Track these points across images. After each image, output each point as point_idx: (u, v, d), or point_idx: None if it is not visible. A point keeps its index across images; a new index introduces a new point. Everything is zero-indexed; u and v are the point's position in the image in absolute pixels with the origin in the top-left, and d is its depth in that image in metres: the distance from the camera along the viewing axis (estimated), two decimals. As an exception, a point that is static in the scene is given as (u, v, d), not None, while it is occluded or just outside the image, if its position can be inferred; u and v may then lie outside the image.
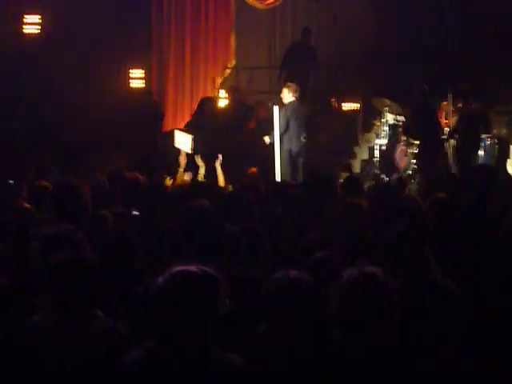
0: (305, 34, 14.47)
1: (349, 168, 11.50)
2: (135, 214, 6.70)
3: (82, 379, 3.48)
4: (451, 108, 12.68)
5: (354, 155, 14.35)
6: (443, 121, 12.76)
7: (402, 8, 14.39)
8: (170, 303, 3.09)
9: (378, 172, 12.94)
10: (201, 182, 9.31)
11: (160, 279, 3.14)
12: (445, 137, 12.53)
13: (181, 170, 10.11)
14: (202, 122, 12.90)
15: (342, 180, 8.61)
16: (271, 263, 4.66)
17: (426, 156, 12.00)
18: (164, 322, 3.11)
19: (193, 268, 3.16)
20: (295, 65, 14.00)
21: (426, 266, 4.25)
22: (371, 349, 3.20)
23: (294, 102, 12.17)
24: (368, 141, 14.31)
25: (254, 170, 11.19)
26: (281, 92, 12.42)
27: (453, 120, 12.56)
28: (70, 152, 12.67)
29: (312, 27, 15.15)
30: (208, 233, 4.93)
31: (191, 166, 10.61)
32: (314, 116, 13.30)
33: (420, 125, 12.23)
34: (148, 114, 13.70)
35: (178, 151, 10.77)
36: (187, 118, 14.92)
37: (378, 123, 13.68)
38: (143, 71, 14.81)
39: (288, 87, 12.28)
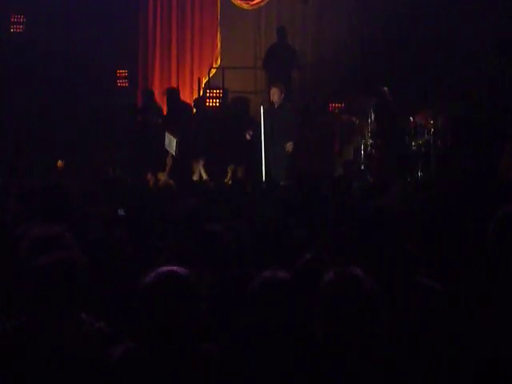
0: (281, 34, 14.39)
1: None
2: (122, 214, 6.71)
3: (68, 381, 3.47)
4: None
5: (338, 155, 14.35)
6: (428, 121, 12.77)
7: (389, 7, 14.38)
8: (155, 302, 3.22)
9: (363, 172, 12.94)
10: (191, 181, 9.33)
11: (146, 279, 3.28)
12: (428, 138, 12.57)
13: (166, 170, 10.15)
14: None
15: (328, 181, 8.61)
16: (257, 262, 4.66)
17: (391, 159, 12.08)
18: (148, 319, 3.23)
19: (177, 269, 3.31)
20: (277, 66, 13.96)
21: (411, 266, 4.25)
22: (355, 349, 3.21)
23: (281, 104, 12.24)
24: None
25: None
26: (270, 92, 12.44)
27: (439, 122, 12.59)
28: (55, 150, 12.67)
29: (298, 27, 15.17)
30: (194, 233, 4.94)
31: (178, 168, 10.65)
32: (299, 116, 13.27)
33: (382, 128, 12.35)
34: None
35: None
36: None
37: (364, 123, 13.68)
38: (126, 71, 14.79)
39: (277, 87, 12.31)
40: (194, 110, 14.86)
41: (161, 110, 13.94)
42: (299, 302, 3.41)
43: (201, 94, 14.89)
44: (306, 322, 3.36)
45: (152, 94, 14.16)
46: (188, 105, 14.06)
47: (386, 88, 12.51)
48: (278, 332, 3.36)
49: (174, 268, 3.32)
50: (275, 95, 12.20)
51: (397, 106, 12.52)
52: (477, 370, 3.56)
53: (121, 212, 6.74)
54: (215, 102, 14.53)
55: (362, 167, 13.02)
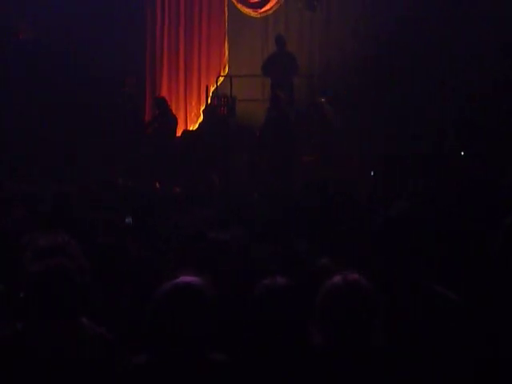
0: (280, 42, 14.41)
1: None
2: (129, 221, 6.73)
3: None
4: None
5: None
6: None
7: (396, 14, 14.38)
8: (169, 314, 3.30)
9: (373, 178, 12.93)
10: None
11: (161, 291, 3.37)
12: None
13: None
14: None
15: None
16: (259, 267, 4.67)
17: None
18: (162, 329, 3.30)
19: (193, 280, 3.39)
20: (278, 73, 13.99)
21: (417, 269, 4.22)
22: (353, 356, 3.22)
23: (287, 111, 12.35)
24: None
25: None
26: (276, 97, 12.52)
27: None
28: (58, 156, 12.74)
29: (305, 35, 15.21)
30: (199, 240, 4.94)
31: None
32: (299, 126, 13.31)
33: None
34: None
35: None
36: (181, 126, 15.00)
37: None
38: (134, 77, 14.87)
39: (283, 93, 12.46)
40: (202, 118, 14.90)
41: (175, 117, 14.05)
42: (300, 309, 3.41)
43: (209, 102, 14.90)
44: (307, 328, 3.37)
45: (166, 101, 14.21)
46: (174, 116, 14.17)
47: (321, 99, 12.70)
48: (278, 338, 3.36)
49: (190, 279, 3.39)
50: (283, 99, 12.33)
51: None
52: (477, 371, 3.55)
53: (128, 220, 6.76)
54: (224, 110, 14.56)
55: (372, 173, 12.98)
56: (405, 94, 13.33)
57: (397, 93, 13.46)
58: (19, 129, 13.19)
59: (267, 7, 15.48)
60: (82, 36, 14.00)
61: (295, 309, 3.40)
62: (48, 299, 3.55)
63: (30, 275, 3.65)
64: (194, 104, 15.38)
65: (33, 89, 13.56)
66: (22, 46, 13.87)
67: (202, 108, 15.18)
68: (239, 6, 15.45)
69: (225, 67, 15.49)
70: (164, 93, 15.22)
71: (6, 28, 13.90)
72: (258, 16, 15.56)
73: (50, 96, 13.58)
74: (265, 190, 9.59)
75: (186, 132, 14.70)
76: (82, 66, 13.87)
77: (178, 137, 14.23)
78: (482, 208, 6.03)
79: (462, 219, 5.76)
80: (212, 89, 15.16)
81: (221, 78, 15.29)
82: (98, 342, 3.57)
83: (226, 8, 15.51)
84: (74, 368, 3.48)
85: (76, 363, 3.49)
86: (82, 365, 3.49)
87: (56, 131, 13.30)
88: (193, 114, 15.34)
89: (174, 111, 15.14)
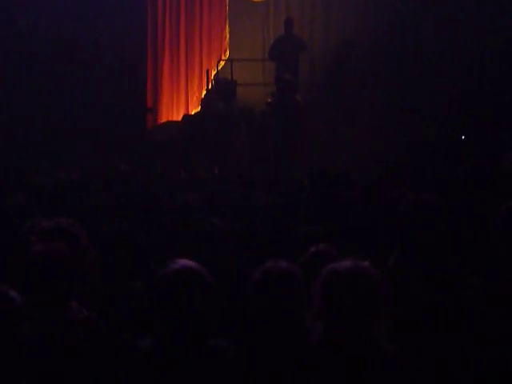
0: (289, 25, 14.38)
1: None
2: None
3: (53, 369, 3.51)
4: None
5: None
6: None
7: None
8: (171, 297, 3.31)
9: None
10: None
11: (162, 273, 3.38)
12: None
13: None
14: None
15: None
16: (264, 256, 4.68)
17: None
18: (164, 312, 3.32)
19: (193, 264, 3.40)
20: (284, 58, 13.97)
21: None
22: (357, 342, 3.24)
23: (291, 96, 12.34)
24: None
25: None
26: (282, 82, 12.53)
27: None
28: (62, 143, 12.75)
29: (306, 19, 15.17)
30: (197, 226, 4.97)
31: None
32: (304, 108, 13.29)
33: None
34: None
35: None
36: (182, 110, 14.98)
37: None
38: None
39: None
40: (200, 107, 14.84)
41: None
42: (302, 293, 3.41)
43: (209, 86, 14.85)
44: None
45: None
46: None
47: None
48: (278, 322, 3.37)
49: (190, 263, 3.40)
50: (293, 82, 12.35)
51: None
52: (479, 370, 3.58)
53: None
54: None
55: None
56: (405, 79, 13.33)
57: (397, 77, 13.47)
58: (21, 116, 13.17)
59: (268, -9, 15.45)
60: (82, 19, 13.96)
61: (296, 293, 3.40)
62: (37, 284, 3.59)
63: (23, 258, 3.68)
64: (195, 88, 15.35)
65: (37, 78, 13.55)
66: (21, 34, 13.85)
67: (204, 92, 15.16)
68: (240, -11, 15.43)
69: (226, 51, 15.47)
70: (165, 77, 15.20)
71: (5, 17, 13.88)
72: (259, 0, 15.52)
73: (50, 81, 13.57)
74: (266, 175, 9.60)
75: (186, 116, 14.68)
76: (81, 49, 13.86)
77: (179, 121, 14.28)
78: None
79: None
80: (213, 73, 15.13)
81: (221, 62, 15.28)
82: (86, 327, 3.60)
83: (227, -8, 15.50)
84: (62, 352, 3.51)
85: (64, 347, 3.52)
86: (69, 349, 3.52)
87: (58, 118, 13.29)
88: (194, 97, 15.31)
89: (175, 95, 15.17)
